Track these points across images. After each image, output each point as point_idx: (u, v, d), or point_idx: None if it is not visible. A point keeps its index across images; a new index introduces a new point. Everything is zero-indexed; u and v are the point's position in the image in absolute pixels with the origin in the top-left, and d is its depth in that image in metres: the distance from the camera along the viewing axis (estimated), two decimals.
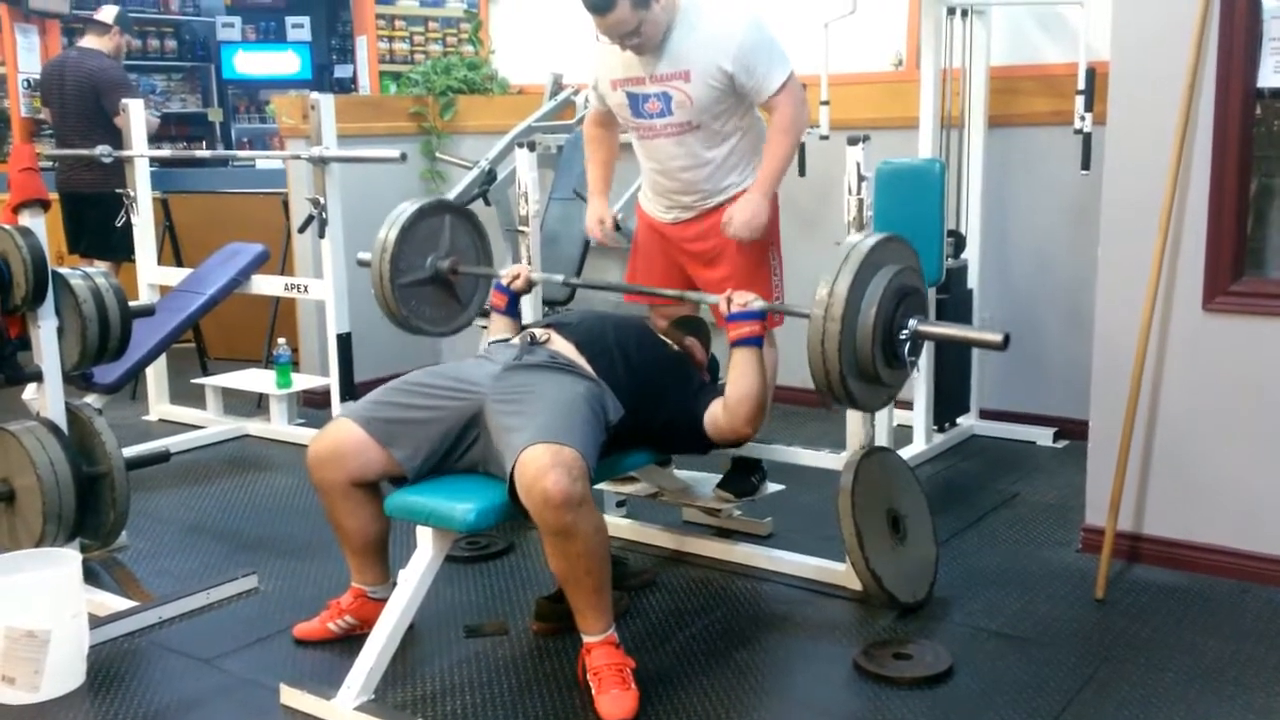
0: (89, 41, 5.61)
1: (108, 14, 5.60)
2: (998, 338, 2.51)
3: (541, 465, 2.36)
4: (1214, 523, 3.16)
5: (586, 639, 2.53)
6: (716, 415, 2.85)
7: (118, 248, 5.42)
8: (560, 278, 3.35)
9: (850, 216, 3.06)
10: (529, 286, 3.23)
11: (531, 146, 3.49)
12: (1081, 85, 3.99)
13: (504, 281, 3.18)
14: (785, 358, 3.46)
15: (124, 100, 4.84)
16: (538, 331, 2.84)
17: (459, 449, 2.66)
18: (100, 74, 5.45)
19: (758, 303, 2.80)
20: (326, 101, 4.12)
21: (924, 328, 2.57)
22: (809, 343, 2.49)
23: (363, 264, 3.35)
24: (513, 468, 2.41)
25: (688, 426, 2.90)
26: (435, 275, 3.38)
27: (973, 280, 4.47)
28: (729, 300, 2.79)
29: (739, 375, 2.78)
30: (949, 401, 4.45)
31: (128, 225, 5.33)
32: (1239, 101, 2.99)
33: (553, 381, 2.65)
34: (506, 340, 2.99)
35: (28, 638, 2.53)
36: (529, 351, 2.76)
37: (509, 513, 2.49)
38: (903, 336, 2.54)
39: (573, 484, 2.35)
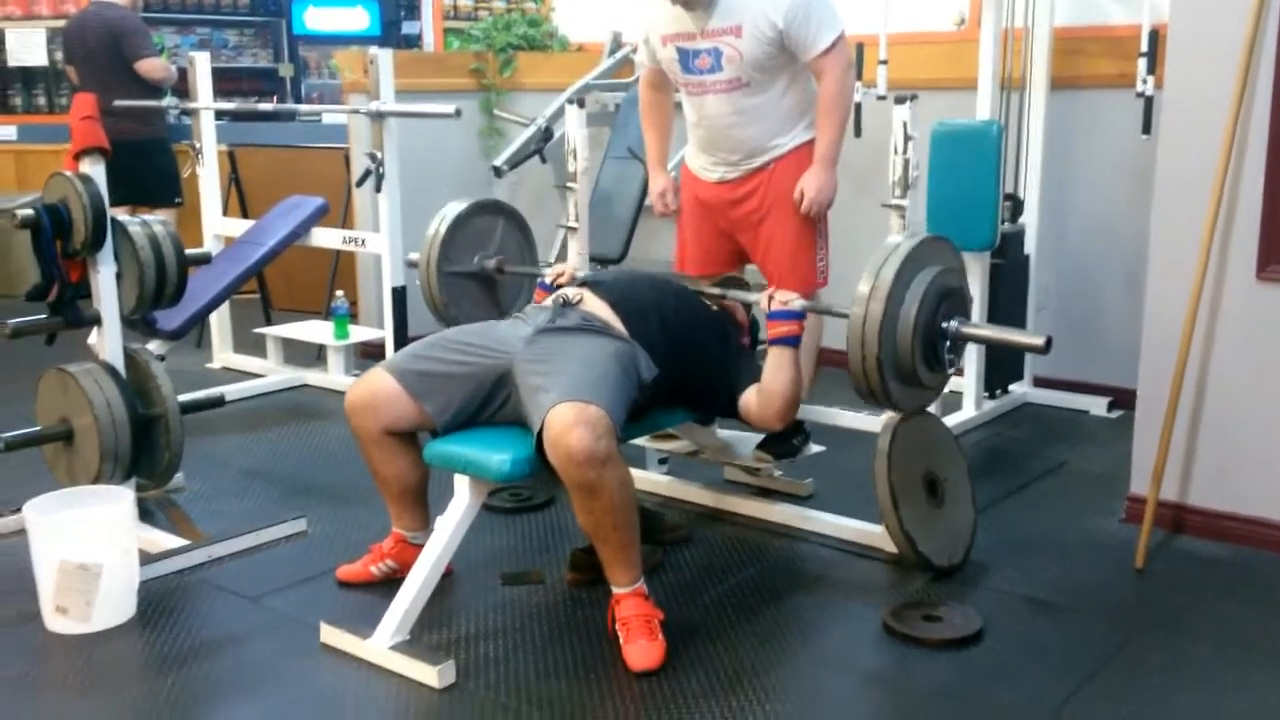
0: None
1: None
2: (1040, 341, 2.50)
3: (566, 422, 2.39)
4: (1259, 495, 3.11)
5: (615, 590, 2.57)
6: (750, 402, 2.88)
7: (156, 192, 5.55)
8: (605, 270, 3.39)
9: (895, 176, 3.03)
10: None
11: (581, 104, 3.51)
12: (1144, 47, 3.90)
13: (548, 279, 3.17)
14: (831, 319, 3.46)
15: (150, 55, 4.94)
16: (570, 292, 2.86)
17: (490, 406, 2.71)
18: (119, 22, 5.54)
19: (798, 302, 2.83)
20: (385, 56, 4.17)
21: (966, 329, 2.56)
22: (849, 340, 2.51)
23: (411, 265, 3.43)
24: (540, 426, 2.45)
25: (726, 393, 2.92)
26: (480, 271, 3.47)
27: (1029, 245, 4.40)
28: (770, 298, 2.83)
29: (774, 373, 2.81)
30: (1002, 368, 4.40)
31: (170, 171, 5.40)
32: None
33: (583, 343, 2.68)
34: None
35: (80, 570, 2.64)
36: (561, 314, 2.79)
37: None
38: (945, 329, 2.53)
39: (596, 441, 2.38)
